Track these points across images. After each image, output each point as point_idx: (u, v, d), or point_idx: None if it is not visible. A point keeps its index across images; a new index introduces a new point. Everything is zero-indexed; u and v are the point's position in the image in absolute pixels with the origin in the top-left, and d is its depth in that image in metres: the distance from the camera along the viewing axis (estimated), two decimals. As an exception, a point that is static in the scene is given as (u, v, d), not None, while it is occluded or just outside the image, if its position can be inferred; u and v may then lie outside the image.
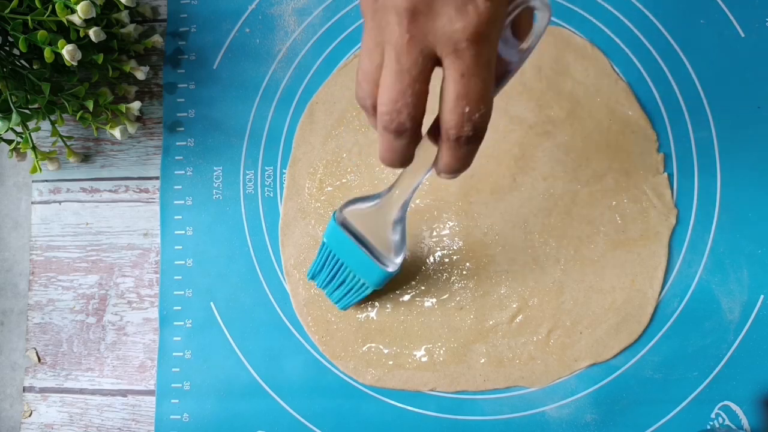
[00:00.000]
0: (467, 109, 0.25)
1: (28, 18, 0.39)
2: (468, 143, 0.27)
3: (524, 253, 0.43)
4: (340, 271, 0.41)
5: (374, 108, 0.27)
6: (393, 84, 0.25)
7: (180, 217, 0.47)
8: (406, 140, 0.27)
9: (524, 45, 0.28)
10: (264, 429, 0.44)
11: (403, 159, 0.29)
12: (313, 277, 0.43)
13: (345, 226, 0.39)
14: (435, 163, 0.30)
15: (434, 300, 0.44)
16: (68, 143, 0.47)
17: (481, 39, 0.24)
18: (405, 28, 0.24)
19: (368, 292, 0.41)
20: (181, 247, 0.47)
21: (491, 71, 0.25)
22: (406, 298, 0.44)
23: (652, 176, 0.43)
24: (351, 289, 0.41)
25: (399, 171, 0.36)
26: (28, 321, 0.48)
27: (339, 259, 0.40)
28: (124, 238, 0.48)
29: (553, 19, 0.45)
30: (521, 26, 0.28)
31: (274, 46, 0.47)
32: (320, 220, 0.45)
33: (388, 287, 0.44)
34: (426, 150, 0.31)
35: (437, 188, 0.44)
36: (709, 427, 0.41)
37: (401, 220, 0.37)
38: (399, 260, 0.39)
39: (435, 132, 0.29)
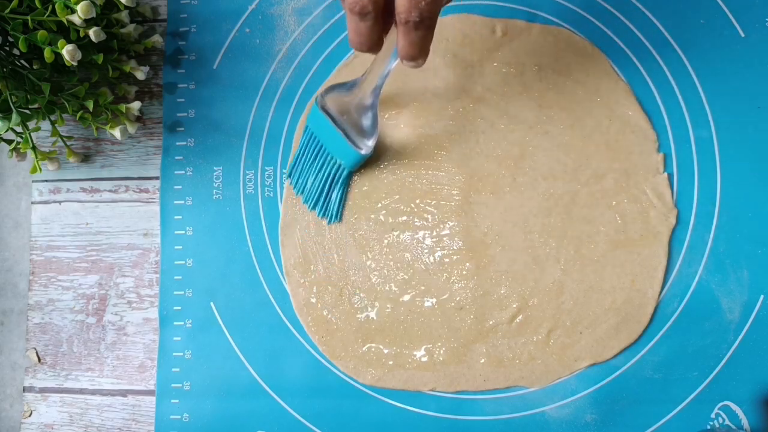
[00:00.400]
0: None
1: (28, 18, 0.39)
2: (417, 28, 0.30)
3: (524, 253, 0.43)
4: (318, 155, 0.43)
5: None
6: None
7: (180, 217, 0.47)
8: (369, 22, 0.30)
9: None
10: (264, 429, 0.44)
11: (370, 42, 0.32)
12: (290, 174, 0.45)
13: (325, 110, 0.42)
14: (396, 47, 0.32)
15: (434, 300, 0.44)
16: (68, 143, 0.47)
17: None
18: None
19: (344, 174, 0.43)
20: (181, 247, 0.47)
21: None
22: (406, 298, 0.44)
23: (652, 176, 0.43)
24: (328, 177, 0.43)
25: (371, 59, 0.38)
26: (28, 321, 0.48)
27: (319, 142, 0.43)
28: (124, 238, 0.48)
29: (552, 19, 0.45)
30: None
31: (274, 46, 0.47)
32: (320, 220, 0.45)
33: (388, 286, 0.44)
34: (392, 38, 0.34)
35: (437, 188, 0.44)
36: (709, 427, 0.41)
37: (373, 106, 0.40)
38: (371, 143, 0.42)
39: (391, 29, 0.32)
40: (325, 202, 0.45)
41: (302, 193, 0.45)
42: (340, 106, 0.41)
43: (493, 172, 0.44)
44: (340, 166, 0.43)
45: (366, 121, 0.41)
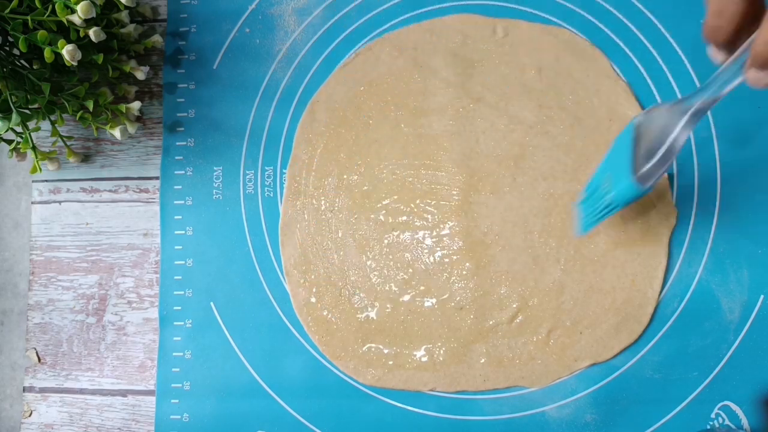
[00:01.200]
0: None
1: (28, 18, 0.39)
2: None
3: (524, 253, 0.43)
4: (604, 177, 0.37)
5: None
6: None
7: (180, 217, 0.47)
8: None
9: None
10: (264, 429, 0.44)
11: (731, 27, 0.27)
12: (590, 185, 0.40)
13: (637, 129, 0.35)
14: (749, 61, 0.28)
15: (434, 300, 0.44)
16: (68, 143, 0.47)
17: None
18: None
19: (609, 209, 0.37)
20: (181, 247, 0.47)
21: None
22: (406, 298, 0.44)
23: (652, 176, 0.43)
24: (595, 200, 0.38)
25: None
26: (28, 321, 0.48)
27: (611, 164, 0.37)
28: (124, 238, 0.48)
29: (552, 19, 0.45)
30: None
31: (274, 46, 0.47)
32: (320, 220, 0.45)
33: (388, 286, 0.44)
34: (743, 53, 0.29)
35: (437, 188, 0.44)
36: (709, 427, 0.41)
37: (683, 132, 0.33)
38: (654, 176, 0.34)
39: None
40: (584, 217, 0.39)
41: (589, 198, 0.40)
42: (652, 123, 0.35)
43: (493, 172, 0.44)
44: (606, 194, 0.36)
45: (664, 148, 0.34)
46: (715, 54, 0.31)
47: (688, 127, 0.34)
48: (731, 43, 0.29)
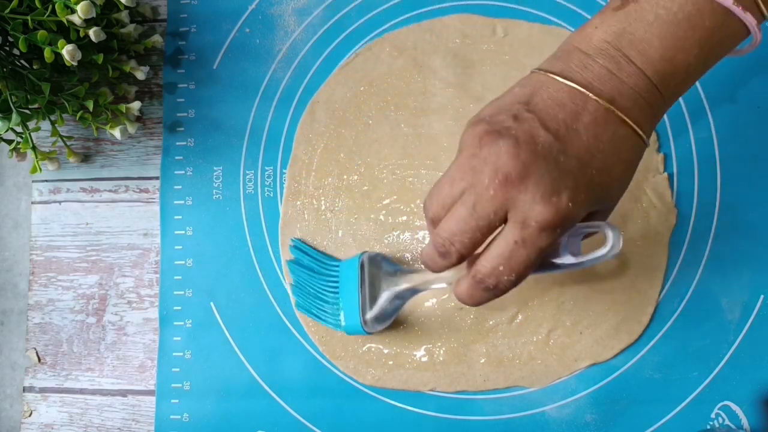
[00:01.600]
0: (501, 269, 0.27)
1: (28, 18, 0.39)
2: (486, 291, 0.29)
3: (524, 253, 0.43)
4: (330, 293, 0.42)
5: (433, 222, 0.30)
6: (459, 221, 0.28)
7: (180, 217, 0.47)
8: (447, 263, 0.29)
9: (580, 259, 0.30)
10: (264, 429, 0.44)
11: (439, 271, 0.31)
12: (297, 255, 0.44)
13: (362, 268, 0.40)
14: (457, 282, 0.31)
15: (434, 300, 0.44)
16: (68, 143, 0.47)
17: (548, 229, 0.26)
18: (494, 186, 0.26)
19: (338, 328, 0.41)
20: (181, 247, 0.47)
21: (539, 255, 0.27)
22: (406, 298, 0.44)
23: (652, 176, 0.43)
24: (324, 312, 0.42)
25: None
26: (28, 321, 0.48)
27: (338, 286, 0.41)
28: (124, 238, 0.48)
29: (552, 19, 0.45)
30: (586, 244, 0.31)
31: (274, 46, 0.47)
32: (320, 220, 0.45)
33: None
34: (457, 269, 0.32)
35: (437, 188, 0.44)
36: (709, 427, 0.41)
37: (401, 297, 0.40)
38: (378, 327, 0.40)
39: (472, 259, 0.30)
40: (307, 305, 0.43)
41: (294, 273, 0.44)
42: (375, 275, 0.40)
43: (493, 172, 0.44)
44: (338, 320, 0.41)
45: (387, 305, 0.40)
46: None
47: (407, 297, 0.40)
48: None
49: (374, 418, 0.43)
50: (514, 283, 0.28)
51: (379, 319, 0.40)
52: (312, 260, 0.44)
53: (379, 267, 0.41)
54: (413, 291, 0.39)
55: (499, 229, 0.28)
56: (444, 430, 0.43)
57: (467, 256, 0.29)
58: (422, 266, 0.33)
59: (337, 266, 0.42)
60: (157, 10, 0.49)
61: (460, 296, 0.30)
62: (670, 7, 0.27)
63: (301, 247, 0.44)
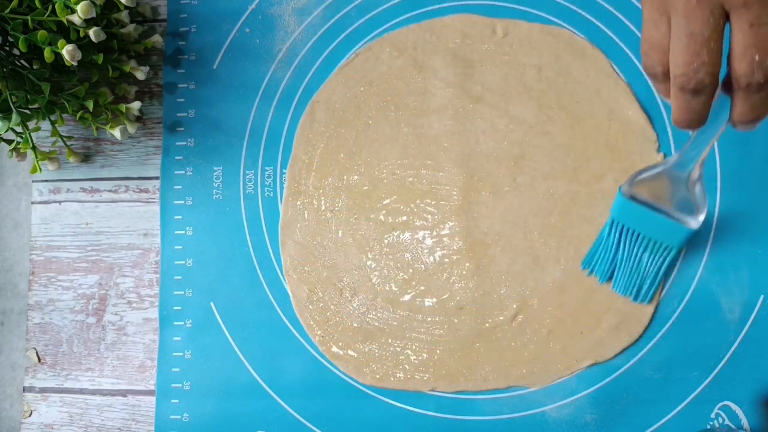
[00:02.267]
0: (757, 57, 0.26)
1: (28, 18, 0.39)
2: (759, 90, 0.27)
3: (524, 253, 0.43)
4: (637, 245, 0.40)
5: (664, 74, 0.29)
6: (687, 47, 0.27)
7: (180, 217, 0.47)
8: (704, 97, 0.28)
9: None
10: (264, 429, 0.44)
11: (701, 117, 0.29)
12: (589, 267, 0.43)
13: (634, 198, 0.39)
14: (730, 116, 0.30)
15: (434, 300, 0.44)
16: (68, 143, 0.47)
17: None
18: None
19: (672, 254, 0.40)
20: (181, 247, 0.47)
21: None
22: (406, 298, 0.44)
23: (653, 176, 0.43)
24: (654, 262, 0.41)
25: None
26: (28, 321, 0.48)
27: (635, 231, 0.40)
28: (124, 238, 0.48)
29: (552, 19, 0.45)
30: None
31: (274, 46, 0.47)
32: (320, 220, 0.45)
33: (388, 286, 0.44)
34: (718, 105, 0.31)
35: (437, 188, 0.44)
36: (709, 427, 0.41)
37: (700, 178, 0.37)
38: (701, 217, 0.38)
39: (727, 85, 0.29)
40: (643, 286, 0.42)
41: (610, 279, 0.42)
42: (652, 191, 0.39)
43: (493, 172, 0.44)
44: (667, 247, 0.40)
45: (695, 194, 0.38)
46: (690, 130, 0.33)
47: (701, 175, 0.37)
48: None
49: (374, 418, 0.43)
50: None
51: (697, 211, 0.38)
52: (595, 250, 0.42)
53: (648, 183, 0.38)
54: (702, 164, 0.36)
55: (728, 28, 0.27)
56: (444, 430, 0.43)
57: (717, 72, 0.27)
58: (685, 149, 0.33)
59: (610, 225, 0.41)
60: (157, 10, 0.49)
61: (743, 116, 0.29)
62: None
63: (586, 262, 0.43)
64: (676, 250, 0.40)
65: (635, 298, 0.42)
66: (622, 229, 0.40)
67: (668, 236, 0.39)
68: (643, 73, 0.29)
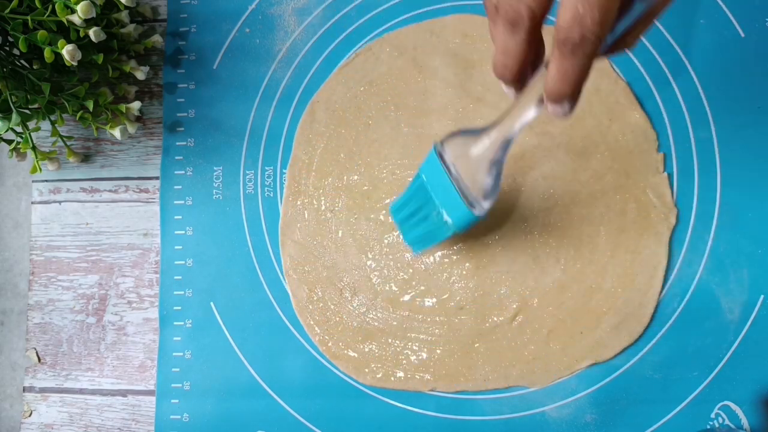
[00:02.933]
0: (580, 9, 0.23)
1: (28, 18, 0.39)
2: (574, 53, 0.25)
3: (524, 253, 0.43)
4: (426, 206, 0.38)
5: (493, 5, 0.26)
6: None
7: (180, 217, 0.47)
8: (520, 36, 0.26)
9: None
10: (264, 429, 0.44)
11: (516, 68, 0.28)
12: (394, 211, 0.41)
13: (442, 158, 0.36)
14: (544, 79, 0.28)
15: (434, 300, 0.44)
16: (68, 143, 0.47)
17: None
18: None
19: (449, 234, 0.38)
20: (181, 247, 0.47)
21: None
22: (406, 298, 0.44)
23: (652, 176, 0.43)
24: (432, 229, 0.39)
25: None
26: (28, 321, 0.48)
27: (429, 192, 0.38)
28: (124, 238, 0.48)
29: (553, 19, 0.45)
30: None
31: (274, 46, 0.47)
32: (320, 220, 0.45)
33: (388, 286, 0.44)
34: (538, 82, 0.29)
35: (437, 188, 0.44)
36: (709, 427, 0.41)
37: (498, 163, 0.35)
38: (487, 205, 0.36)
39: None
40: (417, 241, 0.41)
41: (399, 227, 0.41)
42: (460, 155, 0.36)
43: (493, 172, 0.44)
44: (446, 223, 0.37)
45: (487, 178, 0.35)
46: (506, 90, 0.31)
47: (505, 155, 0.35)
48: (521, 79, 0.29)
49: (374, 418, 0.43)
50: (601, 26, 0.24)
51: (485, 196, 0.36)
52: (402, 196, 0.41)
53: (456, 143, 0.36)
54: (505, 146, 0.34)
55: None
56: (444, 430, 0.43)
57: (539, 13, 0.26)
58: (496, 120, 0.32)
59: (420, 176, 0.39)
60: (157, 10, 0.49)
61: (552, 85, 0.26)
62: None
63: (394, 207, 0.41)
64: (452, 232, 0.38)
65: (408, 243, 0.41)
66: (421, 184, 0.38)
67: (453, 213, 0.37)
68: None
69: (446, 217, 0.37)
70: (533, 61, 0.29)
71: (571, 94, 0.27)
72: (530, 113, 0.31)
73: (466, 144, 0.36)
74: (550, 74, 0.26)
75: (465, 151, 0.36)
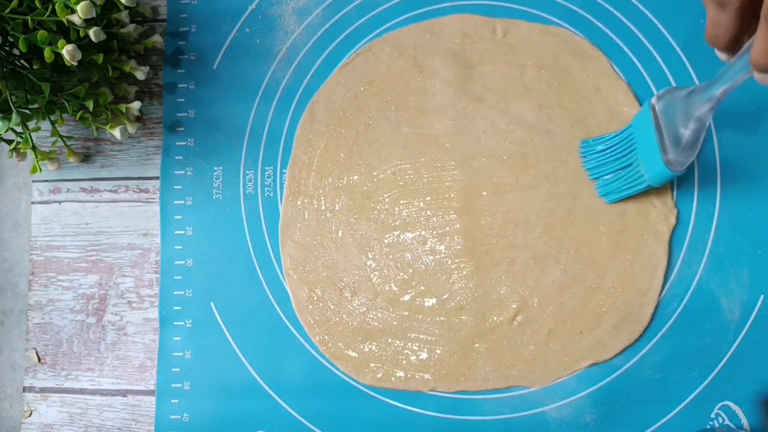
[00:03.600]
0: None
1: (28, 18, 0.39)
2: None
3: (524, 253, 0.43)
4: (627, 157, 0.40)
5: None
6: None
7: (180, 217, 0.47)
8: (729, 14, 0.28)
9: None
10: (264, 429, 0.44)
11: (726, 39, 0.29)
12: (588, 151, 0.43)
13: (655, 112, 0.38)
14: (752, 48, 0.29)
15: (434, 300, 0.44)
16: (68, 143, 0.47)
17: None
18: None
19: (643, 187, 0.40)
20: (181, 247, 0.47)
21: None
22: (406, 298, 0.44)
23: (652, 176, 0.43)
24: (628, 180, 0.41)
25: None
26: (28, 321, 0.48)
27: (634, 143, 0.40)
28: (124, 238, 0.48)
29: (552, 19, 0.45)
30: None
31: (274, 46, 0.47)
32: (320, 220, 0.45)
33: (388, 286, 0.44)
34: (749, 50, 0.31)
35: (438, 188, 0.44)
36: (709, 427, 0.41)
37: (701, 121, 0.36)
38: (686, 161, 0.38)
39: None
40: (611, 190, 0.42)
41: (591, 169, 0.43)
42: (669, 108, 0.37)
43: (494, 172, 0.44)
44: (642, 176, 0.39)
45: (687, 132, 0.37)
46: (719, 55, 0.33)
47: (710, 115, 0.36)
48: (731, 48, 0.31)
49: (374, 418, 0.43)
50: None
51: (684, 151, 0.37)
52: (603, 139, 0.42)
53: (670, 99, 0.38)
54: (712, 105, 0.36)
55: None
56: (444, 430, 0.43)
57: None
58: (709, 81, 0.34)
59: (631, 126, 0.40)
60: (157, 10, 0.49)
61: (757, 59, 0.28)
62: None
63: (589, 144, 0.43)
64: (647, 185, 0.40)
65: (601, 194, 0.43)
66: (630, 135, 0.40)
67: (651, 168, 0.39)
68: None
69: (643, 171, 0.39)
70: (747, 30, 0.30)
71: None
72: (740, 78, 0.33)
73: (676, 100, 0.37)
74: (757, 47, 0.28)
75: (675, 107, 0.37)
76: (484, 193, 0.44)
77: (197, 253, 0.46)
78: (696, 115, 0.36)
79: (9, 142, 0.44)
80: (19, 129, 0.43)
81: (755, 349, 0.41)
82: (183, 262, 0.46)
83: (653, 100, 0.38)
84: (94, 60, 0.43)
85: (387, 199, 0.45)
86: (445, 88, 0.45)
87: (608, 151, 0.42)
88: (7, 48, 0.42)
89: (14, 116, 0.41)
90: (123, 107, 0.45)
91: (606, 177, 0.42)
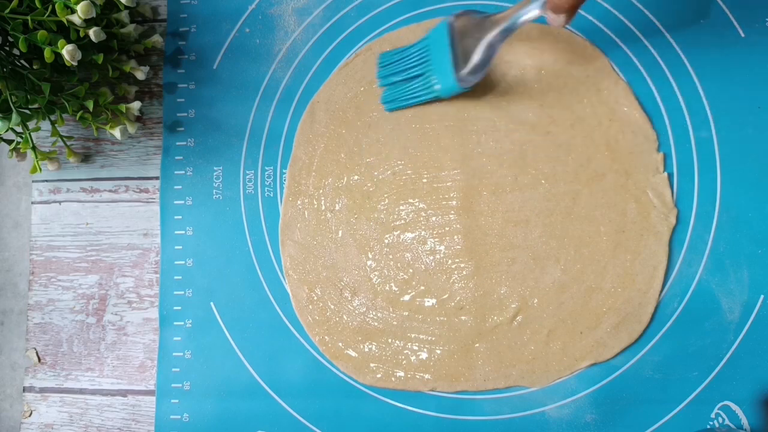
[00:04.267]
0: None
1: (28, 18, 0.39)
2: None
3: (524, 253, 0.43)
4: (419, 66, 0.43)
5: None
6: None
7: (180, 217, 0.47)
8: None
9: None
10: (264, 429, 0.44)
11: None
12: (384, 62, 0.45)
13: (452, 29, 0.41)
14: None
15: (434, 300, 0.44)
16: (68, 143, 0.47)
17: None
18: None
19: (430, 97, 0.43)
20: (181, 247, 0.47)
21: None
22: (406, 298, 0.44)
23: (652, 176, 0.43)
24: (416, 90, 0.43)
25: None
26: (28, 321, 0.48)
27: (429, 55, 0.42)
28: (124, 238, 0.48)
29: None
30: None
31: (274, 46, 0.47)
32: (320, 220, 0.45)
33: (388, 286, 0.44)
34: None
35: (438, 188, 0.44)
36: (709, 427, 0.41)
37: (491, 46, 0.40)
38: (473, 80, 0.41)
39: None
40: (396, 97, 0.45)
41: (383, 77, 0.45)
42: (465, 30, 0.40)
43: (494, 172, 0.44)
44: (433, 86, 0.42)
45: (477, 56, 0.40)
46: None
47: (498, 42, 0.40)
48: None
49: (374, 418, 0.43)
50: None
51: (473, 71, 0.41)
52: (399, 51, 0.45)
53: (467, 22, 0.41)
54: (504, 33, 0.39)
55: None
56: (444, 430, 0.43)
57: None
58: (505, 11, 0.38)
59: (427, 38, 0.43)
60: (157, 10, 0.49)
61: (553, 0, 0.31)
62: None
63: (386, 56, 0.45)
64: (435, 96, 0.43)
65: (385, 102, 0.45)
66: (425, 46, 0.43)
67: (442, 79, 0.42)
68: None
69: (434, 82, 0.42)
70: None
71: (568, 9, 0.32)
72: (533, 13, 0.37)
73: (473, 23, 0.40)
74: None
75: (470, 30, 0.40)
76: (484, 193, 0.44)
77: (197, 253, 0.46)
78: (488, 42, 0.39)
79: (9, 142, 0.44)
80: (19, 129, 0.43)
81: (755, 349, 0.41)
82: (183, 262, 0.46)
83: (451, 19, 0.41)
84: (94, 60, 0.43)
85: (387, 199, 0.45)
86: (445, 88, 0.45)
87: (402, 60, 0.44)
88: (7, 48, 0.42)
89: (14, 116, 0.41)
90: (123, 107, 0.45)
91: (394, 84, 0.44)
